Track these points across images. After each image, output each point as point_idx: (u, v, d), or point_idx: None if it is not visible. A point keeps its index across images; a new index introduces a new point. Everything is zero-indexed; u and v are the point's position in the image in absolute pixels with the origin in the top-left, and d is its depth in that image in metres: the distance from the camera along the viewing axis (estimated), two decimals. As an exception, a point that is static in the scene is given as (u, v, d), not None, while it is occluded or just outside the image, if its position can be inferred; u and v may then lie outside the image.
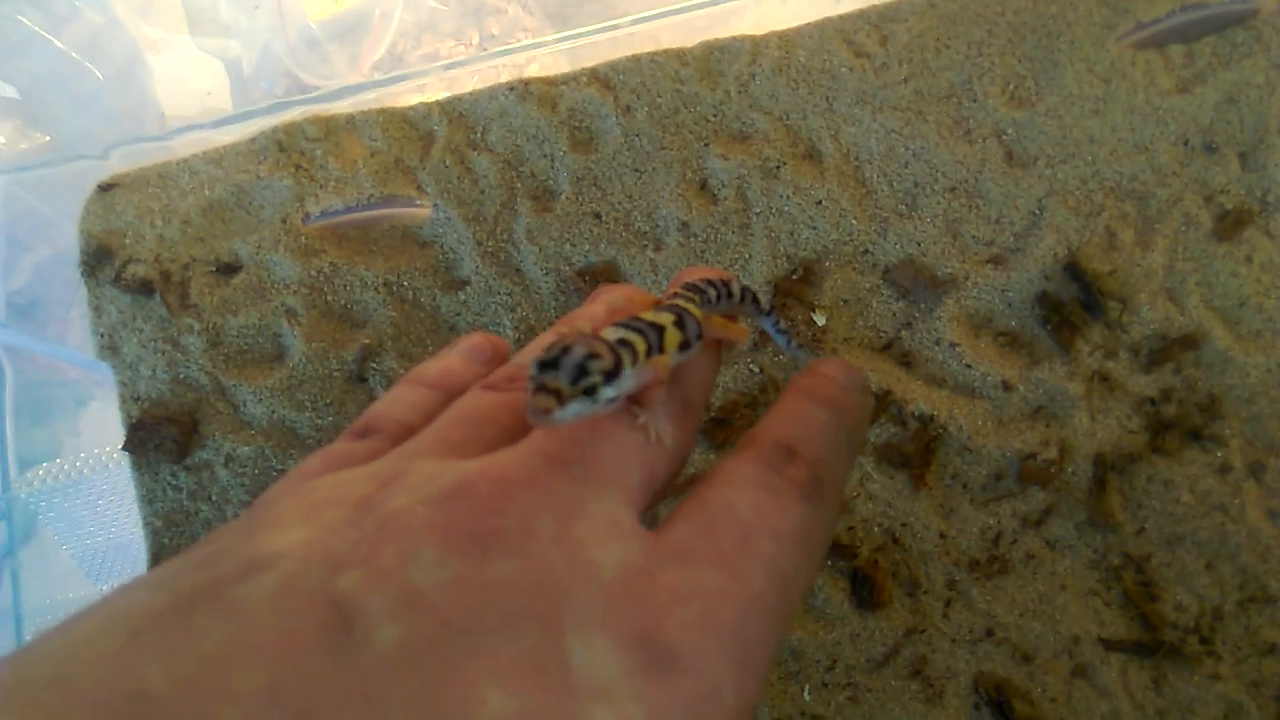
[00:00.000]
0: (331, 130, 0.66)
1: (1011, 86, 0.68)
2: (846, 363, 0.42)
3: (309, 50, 0.78)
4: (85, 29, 0.79)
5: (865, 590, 0.63)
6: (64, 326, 0.76)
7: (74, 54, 0.80)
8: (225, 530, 0.31)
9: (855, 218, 0.67)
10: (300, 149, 0.65)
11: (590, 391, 0.30)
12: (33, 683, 0.23)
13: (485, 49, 0.76)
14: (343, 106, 0.68)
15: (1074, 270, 0.65)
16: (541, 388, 0.30)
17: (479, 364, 0.46)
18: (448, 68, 0.74)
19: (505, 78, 0.71)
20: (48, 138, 0.80)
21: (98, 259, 0.64)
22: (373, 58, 0.78)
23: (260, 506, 0.33)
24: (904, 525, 0.64)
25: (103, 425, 0.75)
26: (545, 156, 0.67)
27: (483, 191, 0.66)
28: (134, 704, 0.22)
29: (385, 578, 0.27)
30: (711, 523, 0.31)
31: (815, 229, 0.66)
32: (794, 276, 0.67)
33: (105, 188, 0.65)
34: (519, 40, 0.75)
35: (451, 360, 0.46)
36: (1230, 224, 0.66)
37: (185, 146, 0.67)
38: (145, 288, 0.63)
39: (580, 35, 0.72)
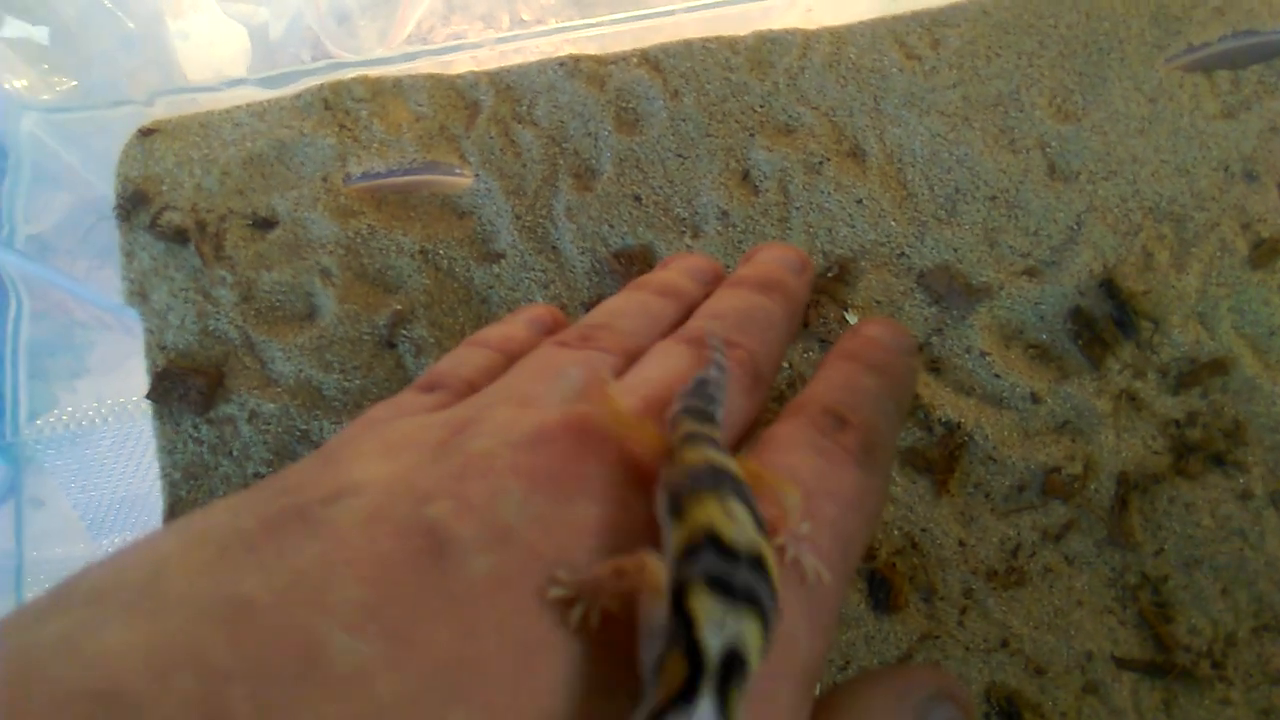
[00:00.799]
0: (378, 92, 0.65)
1: (1059, 99, 0.68)
2: (894, 323, 0.41)
3: (338, 23, 0.78)
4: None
5: (882, 593, 0.63)
6: (86, 270, 0.76)
7: (107, 3, 0.80)
8: (298, 466, 0.31)
9: (894, 219, 0.67)
10: (346, 108, 0.65)
11: None
12: (127, 586, 0.23)
13: (515, 32, 0.76)
14: (386, 70, 0.68)
15: (1108, 288, 0.66)
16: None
17: (540, 333, 0.46)
18: (481, 45, 0.74)
19: (536, 58, 0.71)
20: (74, 83, 0.80)
21: (133, 204, 0.64)
22: (403, 33, 0.78)
23: (334, 445, 0.33)
24: (924, 531, 0.64)
25: (112, 373, 0.75)
26: (589, 135, 0.67)
27: (525, 165, 0.66)
28: (234, 608, 0.22)
29: (474, 511, 0.26)
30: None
31: (854, 228, 0.66)
32: (829, 274, 0.66)
33: (146, 133, 0.64)
34: (550, 24, 0.75)
35: (514, 327, 0.46)
36: (1265, 253, 0.66)
37: (227, 100, 0.67)
38: (180, 236, 0.62)
39: (628, 20, 0.72)
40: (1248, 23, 0.68)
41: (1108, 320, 0.66)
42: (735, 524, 0.26)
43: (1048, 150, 0.67)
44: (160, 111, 0.67)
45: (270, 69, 0.73)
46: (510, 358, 0.40)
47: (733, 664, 0.23)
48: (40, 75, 0.78)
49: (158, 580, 0.24)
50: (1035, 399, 0.64)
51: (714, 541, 0.25)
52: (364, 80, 0.66)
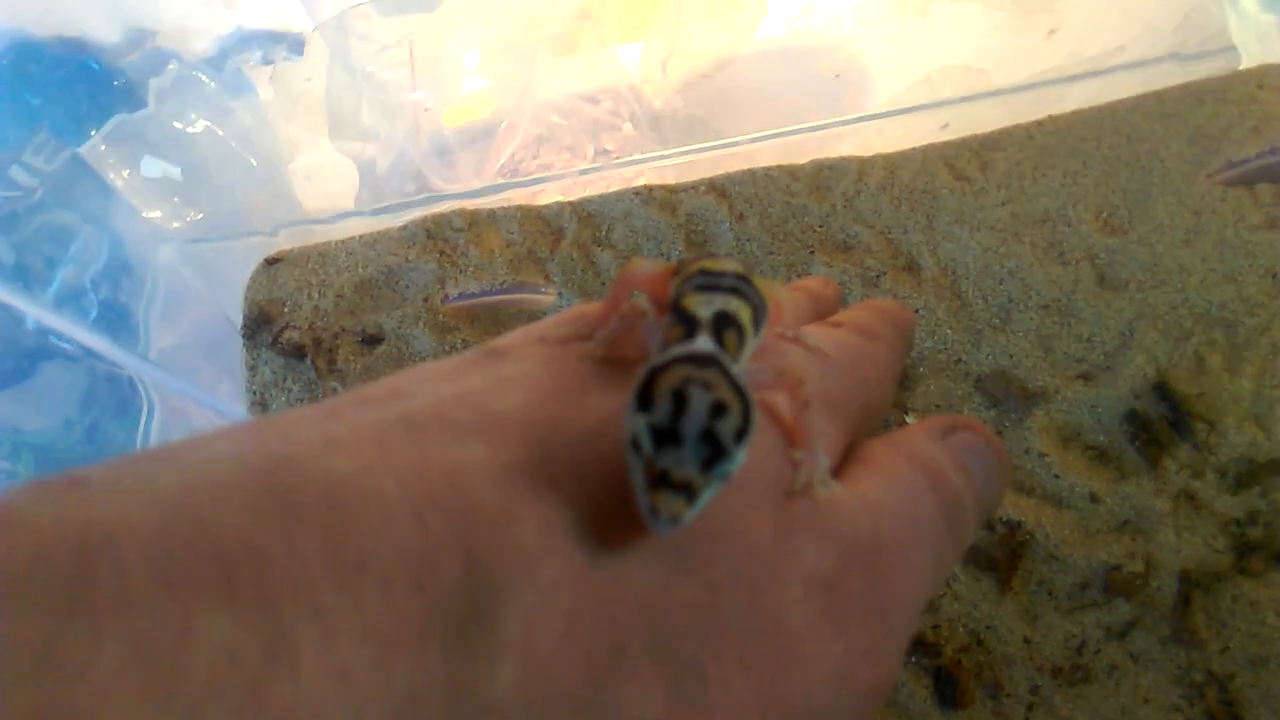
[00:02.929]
0: (475, 222, 0.73)
1: (1105, 214, 0.73)
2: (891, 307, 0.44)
3: (439, 156, 0.87)
4: (238, 125, 0.89)
5: (948, 689, 0.65)
6: (208, 381, 0.84)
7: (233, 143, 0.90)
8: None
9: (950, 328, 0.71)
10: (446, 237, 0.73)
11: (725, 474, 0.24)
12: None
13: (597, 163, 0.84)
14: (482, 202, 0.76)
15: (1163, 391, 0.69)
16: (664, 479, 0.23)
17: None
18: (565, 176, 0.82)
19: (615, 187, 0.78)
20: (202, 215, 0.90)
21: (258, 324, 0.72)
22: (496, 165, 0.87)
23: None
24: (989, 628, 0.66)
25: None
26: (662, 255, 0.74)
27: (603, 283, 0.73)
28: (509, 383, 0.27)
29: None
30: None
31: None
32: (896, 386, 0.71)
33: (271, 261, 0.73)
34: (631, 155, 0.83)
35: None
36: (1319, 356, 0.69)
37: (340, 231, 0.76)
38: (298, 352, 0.70)
39: (697, 151, 0.79)
40: (1285, 139, 0.72)
41: (1163, 422, 0.68)
42: (721, 266, 0.32)
43: (1096, 261, 0.72)
44: (283, 241, 0.76)
45: (377, 200, 0.82)
46: None
47: (724, 320, 0.29)
48: (173, 208, 0.89)
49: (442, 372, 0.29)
50: (1094, 499, 0.67)
51: (703, 271, 0.31)
52: (462, 212, 0.74)
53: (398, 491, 0.21)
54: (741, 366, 0.29)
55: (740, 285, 0.31)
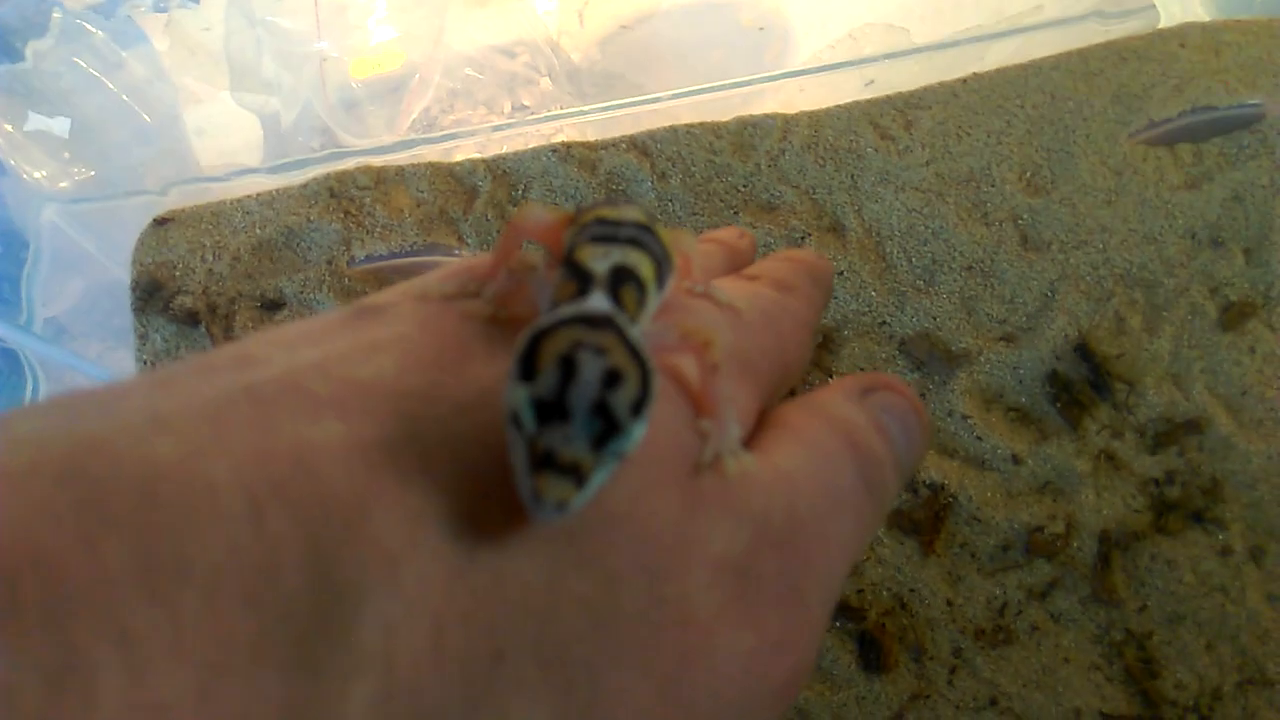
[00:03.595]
0: (381, 180, 0.70)
1: (1028, 174, 0.72)
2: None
3: (346, 110, 0.83)
4: (129, 78, 0.84)
5: (872, 653, 0.65)
6: (99, 351, 0.79)
7: (124, 97, 0.85)
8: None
9: (875, 290, 0.70)
10: (350, 196, 0.69)
11: (620, 452, 0.21)
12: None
13: (513, 118, 0.80)
14: (389, 159, 0.72)
15: (1083, 351, 0.69)
16: (548, 460, 0.21)
17: None
18: (478, 132, 0.78)
19: (533, 144, 0.75)
20: (92, 173, 0.85)
21: (148, 289, 0.68)
22: (408, 120, 0.83)
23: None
24: (912, 591, 0.66)
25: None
26: (581, 216, 0.71)
27: (520, 245, 0.70)
28: (372, 348, 0.24)
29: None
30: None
31: (836, 299, 0.70)
32: (814, 343, 0.70)
33: (161, 222, 0.68)
34: (549, 111, 0.79)
35: None
36: (1234, 316, 0.70)
37: (238, 189, 0.71)
38: (192, 318, 0.66)
39: (618, 107, 0.76)
40: (1205, 99, 0.72)
41: (1084, 383, 0.68)
42: (619, 214, 0.29)
43: (1019, 222, 0.71)
44: (174, 201, 0.71)
45: (283, 157, 0.78)
46: None
47: (622, 275, 0.26)
48: (59, 166, 0.83)
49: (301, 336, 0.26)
50: (1016, 460, 0.67)
51: (600, 220, 0.29)
52: (367, 169, 0.70)
53: (231, 479, 0.18)
54: (642, 327, 0.26)
55: (641, 235, 0.28)
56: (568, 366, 0.22)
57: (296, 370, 0.22)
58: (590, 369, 0.22)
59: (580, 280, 0.26)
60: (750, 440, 0.29)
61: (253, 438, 0.19)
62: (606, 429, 0.21)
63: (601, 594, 0.22)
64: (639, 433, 0.21)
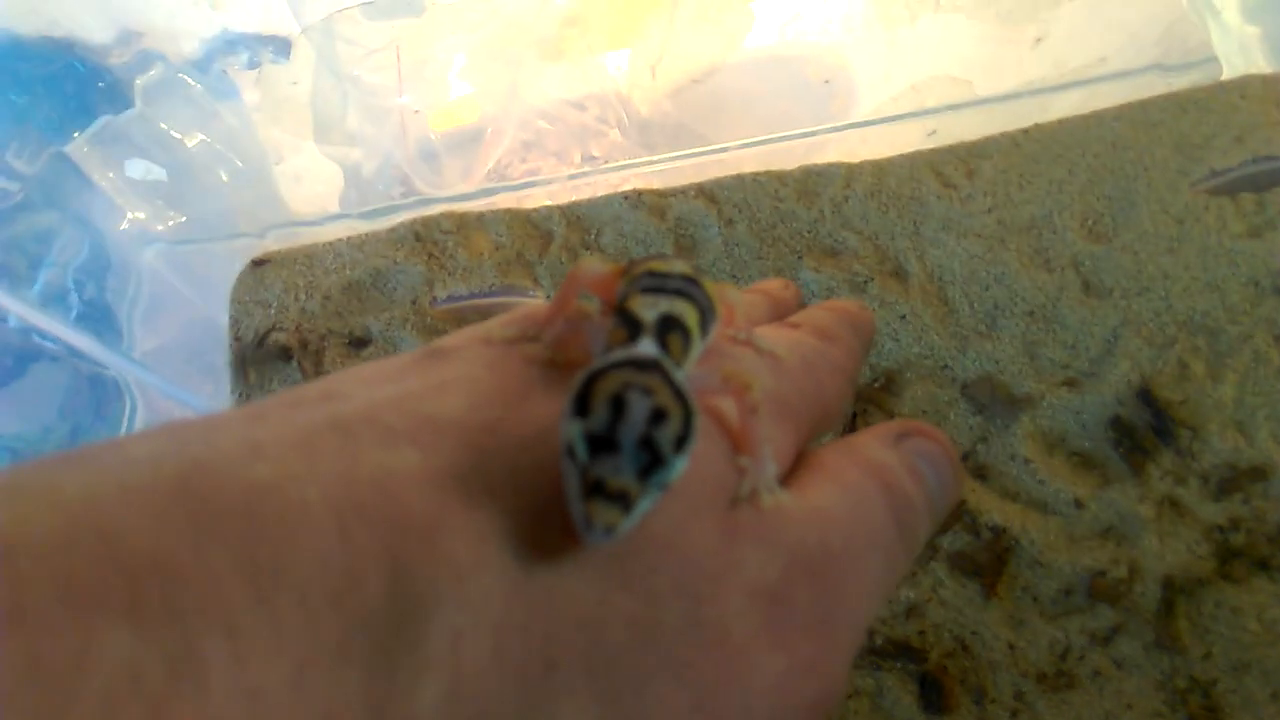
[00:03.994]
0: (463, 225, 0.73)
1: (1090, 222, 0.74)
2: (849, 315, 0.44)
3: (425, 160, 0.87)
4: (222, 128, 0.89)
5: (934, 695, 0.65)
6: (196, 382, 0.84)
7: (218, 145, 0.90)
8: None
9: (937, 334, 0.72)
10: (434, 239, 0.73)
11: (663, 483, 0.23)
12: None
13: (584, 168, 0.84)
14: (470, 205, 0.76)
15: (1146, 397, 0.69)
16: (598, 488, 0.23)
17: None
18: (554, 180, 0.82)
19: (603, 193, 0.78)
20: (184, 219, 0.90)
21: (244, 326, 0.72)
22: (483, 170, 0.87)
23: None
24: (974, 633, 0.66)
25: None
26: (650, 260, 0.74)
27: (591, 288, 0.73)
28: (441, 387, 0.27)
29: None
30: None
31: (898, 341, 0.72)
32: (875, 385, 0.71)
33: (258, 263, 0.73)
34: (619, 161, 0.83)
35: None
36: (1300, 364, 0.70)
37: (328, 233, 0.76)
38: (284, 354, 0.70)
39: (686, 157, 0.80)
40: (1267, 149, 0.73)
41: (1147, 428, 0.69)
42: (668, 267, 0.31)
43: (1081, 268, 0.72)
44: (270, 244, 0.76)
45: (364, 205, 0.82)
46: None
47: (669, 323, 0.28)
48: (156, 210, 0.89)
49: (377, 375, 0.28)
50: (1079, 504, 0.68)
51: (650, 273, 0.31)
52: (450, 215, 0.74)
53: (321, 500, 0.20)
54: (686, 371, 0.28)
55: (687, 287, 0.30)
56: (618, 405, 0.24)
57: (375, 405, 0.25)
58: (638, 408, 0.24)
59: (630, 327, 0.28)
60: (787, 479, 0.31)
61: (338, 464, 0.22)
62: (651, 461, 0.23)
63: (645, 612, 0.24)
64: (681, 465, 0.24)
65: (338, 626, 0.19)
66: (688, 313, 0.29)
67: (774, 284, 0.47)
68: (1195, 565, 0.66)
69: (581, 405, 0.24)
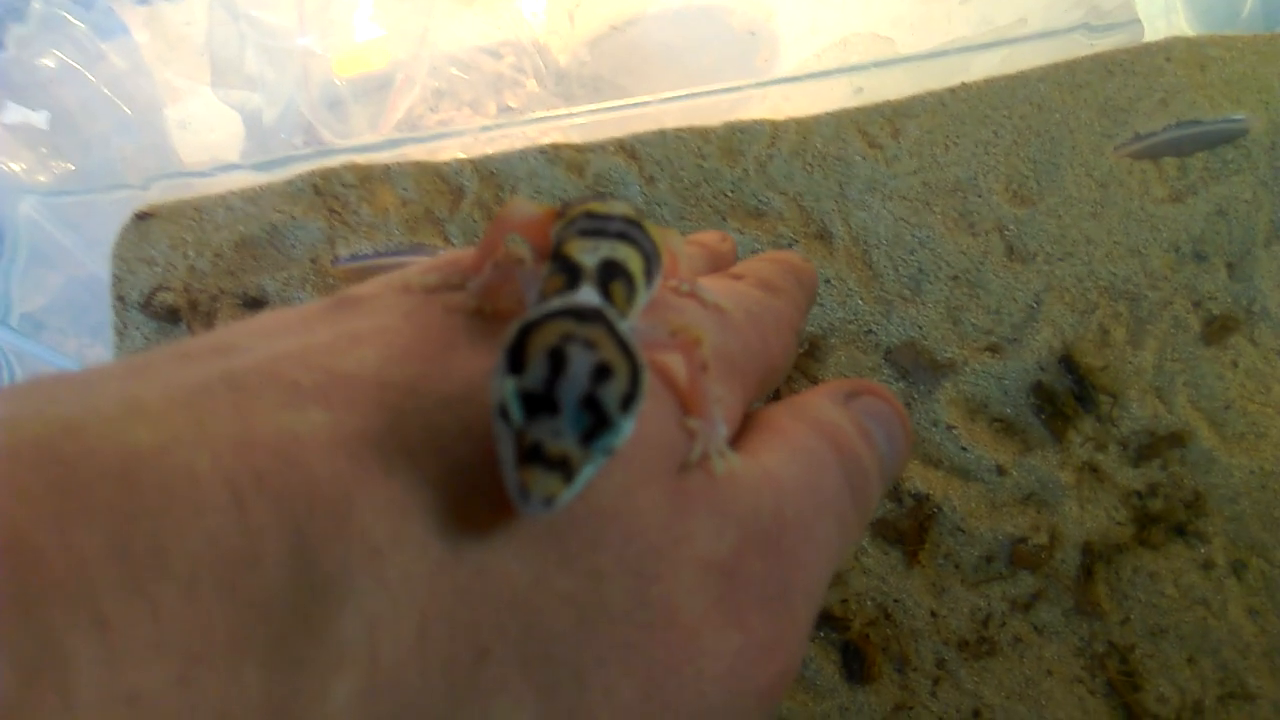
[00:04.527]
0: (367, 178, 0.69)
1: (1014, 185, 0.73)
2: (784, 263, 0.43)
3: (330, 108, 0.82)
4: (110, 70, 0.83)
5: (855, 663, 0.64)
6: (77, 347, 0.78)
7: (105, 89, 0.84)
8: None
9: (861, 298, 0.70)
10: (335, 193, 0.69)
11: (608, 447, 0.21)
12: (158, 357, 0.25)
13: (500, 120, 0.80)
14: (376, 157, 0.72)
15: (1068, 363, 0.69)
16: (536, 453, 0.20)
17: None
18: (465, 132, 0.78)
19: (519, 145, 0.75)
20: (71, 167, 0.84)
21: (128, 284, 0.67)
22: (393, 119, 0.82)
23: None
24: (896, 601, 0.65)
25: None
26: (568, 218, 0.71)
27: (505, 247, 0.70)
28: (348, 338, 0.24)
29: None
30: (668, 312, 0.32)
31: (822, 306, 0.70)
32: (800, 350, 0.70)
33: (142, 216, 0.67)
34: (536, 112, 0.79)
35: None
36: (1217, 329, 0.70)
37: (221, 185, 0.71)
38: (172, 315, 0.65)
39: (606, 110, 0.76)
40: (1190, 113, 0.73)
41: (1068, 394, 0.69)
42: (608, 209, 0.29)
43: (1005, 233, 0.71)
44: (156, 195, 0.71)
45: (264, 154, 0.77)
46: None
47: (612, 269, 0.26)
48: (38, 159, 0.82)
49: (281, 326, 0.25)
50: (1001, 471, 0.67)
51: (589, 214, 0.28)
52: (353, 167, 0.69)
53: (212, 468, 0.18)
54: (630, 323, 0.26)
55: (630, 230, 0.28)
56: (557, 359, 0.21)
57: (276, 359, 0.22)
58: (580, 362, 0.21)
59: (569, 274, 0.26)
60: (736, 440, 0.29)
61: (233, 426, 0.19)
62: (596, 423, 0.21)
63: (587, 593, 0.21)
64: (628, 428, 0.21)
65: (231, 618, 0.16)
66: (631, 258, 0.27)
67: (711, 236, 0.45)
68: (1114, 531, 0.66)
69: (515, 360, 0.21)
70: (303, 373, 0.21)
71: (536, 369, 0.21)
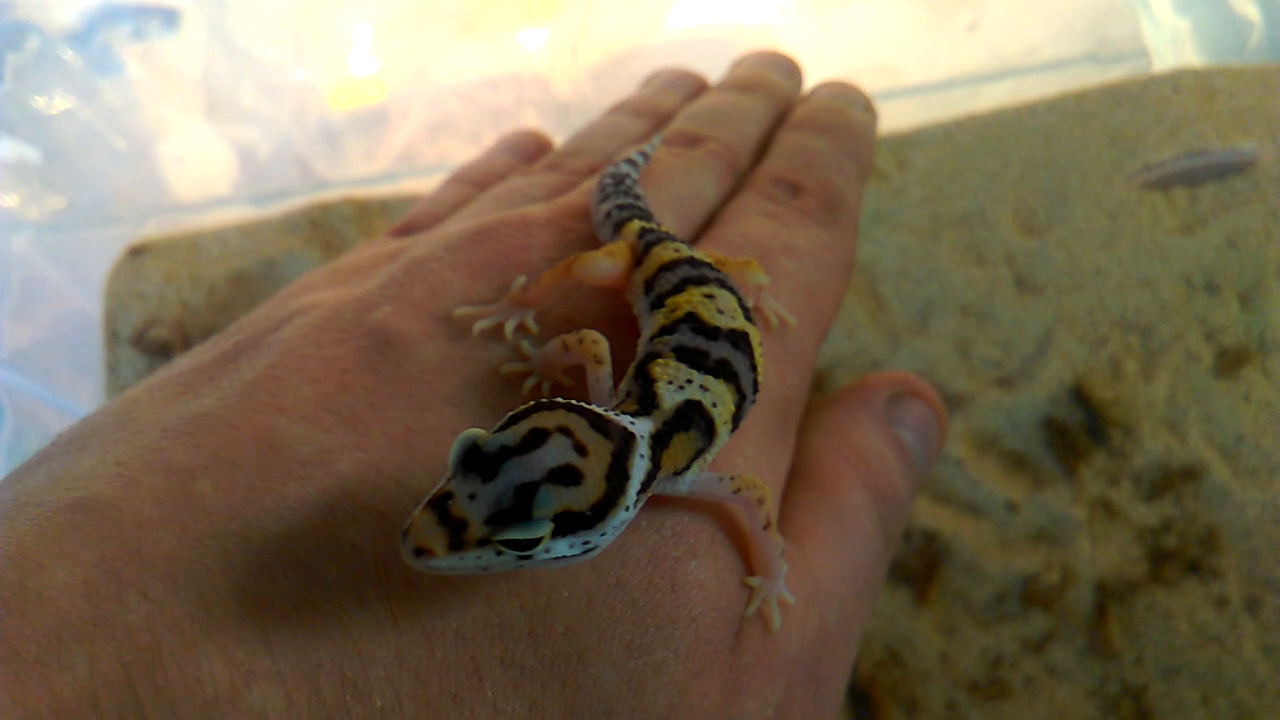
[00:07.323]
0: (365, 212, 0.71)
1: (1023, 216, 0.74)
2: (842, 81, 0.44)
3: (324, 142, 0.84)
4: (105, 106, 0.85)
5: (864, 707, 0.65)
6: (68, 382, 0.80)
7: (99, 124, 0.86)
8: (257, 311, 0.35)
9: (868, 331, 0.72)
10: (332, 227, 0.70)
11: (513, 542, 0.21)
12: (102, 428, 0.27)
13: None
14: (374, 191, 0.74)
15: (1079, 396, 0.70)
16: (441, 504, 0.21)
17: (520, 158, 0.49)
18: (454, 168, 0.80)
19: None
20: (64, 202, 0.86)
21: (120, 320, 0.69)
22: (389, 153, 0.84)
23: (292, 286, 0.37)
24: (905, 642, 0.66)
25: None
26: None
27: (505, 281, 0.71)
28: (194, 421, 0.26)
29: (417, 308, 0.30)
30: (732, 249, 0.34)
31: (827, 340, 0.72)
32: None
33: (135, 251, 0.69)
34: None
35: (493, 157, 0.49)
36: (1229, 362, 0.72)
37: (216, 220, 0.73)
38: (164, 350, 0.67)
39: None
40: (1199, 144, 0.75)
41: (1080, 428, 0.70)
42: (716, 306, 0.29)
43: (1015, 264, 0.73)
44: (150, 230, 0.73)
45: (258, 188, 0.79)
46: (485, 190, 0.43)
47: (691, 417, 0.26)
48: (31, 194, 0.84)
49: (127, 417, 0.27)
50: (1011, 507, 0.68)
51: (693, 320, 0.29)
52: (351, 201, 0.71)
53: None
54: (695, 475, 0.26)
55: (735, 359, 0.28)
56: (535, 438, 0.22)
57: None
58: (551, 453, 0.21)
59: (643, 404, 0.26)
60: (786, 505, 0.30)
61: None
62: (513, 510, 0.21)
63: None
64: (542, 541, 0.21)
65: None
66: (724, 399, 0.27)
67: (654, 99, 0.47)
68: (1127, 568, 0.67)
69: (508, 421, 0.23)
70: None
71: (508, 434, 0.22)
